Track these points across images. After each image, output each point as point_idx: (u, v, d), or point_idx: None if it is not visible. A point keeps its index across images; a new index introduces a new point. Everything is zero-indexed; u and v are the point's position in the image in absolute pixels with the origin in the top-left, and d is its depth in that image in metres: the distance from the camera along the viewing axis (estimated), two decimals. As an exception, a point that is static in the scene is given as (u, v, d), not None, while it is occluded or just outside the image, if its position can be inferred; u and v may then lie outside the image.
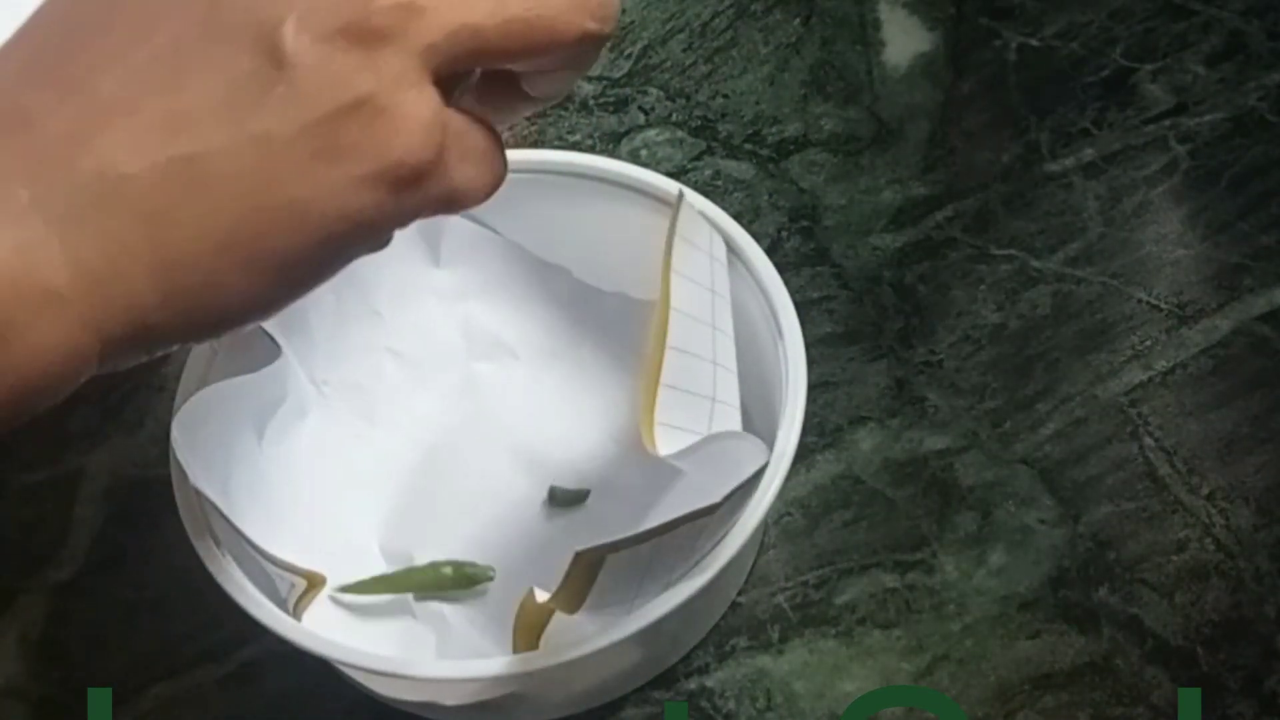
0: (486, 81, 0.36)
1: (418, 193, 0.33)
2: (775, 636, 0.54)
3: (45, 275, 0.30)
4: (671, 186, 0.55)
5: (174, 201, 0.31)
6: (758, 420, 0.53)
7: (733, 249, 0.55)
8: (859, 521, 0.57)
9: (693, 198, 0.55)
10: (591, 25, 0.34)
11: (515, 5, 0.33)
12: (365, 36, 0.31)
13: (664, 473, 0.51)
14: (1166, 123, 0.67)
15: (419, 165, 0.32)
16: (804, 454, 0.57)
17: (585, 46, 0.34)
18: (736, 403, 0.52)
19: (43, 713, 0.55)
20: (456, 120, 0.33)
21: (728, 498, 0.46)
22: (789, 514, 0.57)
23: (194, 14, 0.31)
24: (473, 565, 0.54)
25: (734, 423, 0.51)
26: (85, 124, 0.31)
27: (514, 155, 0.58)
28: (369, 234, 0.33)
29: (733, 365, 0.53)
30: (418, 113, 0.32)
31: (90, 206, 0.31)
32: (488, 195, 0.35)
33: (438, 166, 0.33)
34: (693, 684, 0.53)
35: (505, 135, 0.36)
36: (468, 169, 0.34)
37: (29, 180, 0.31)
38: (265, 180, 0.31)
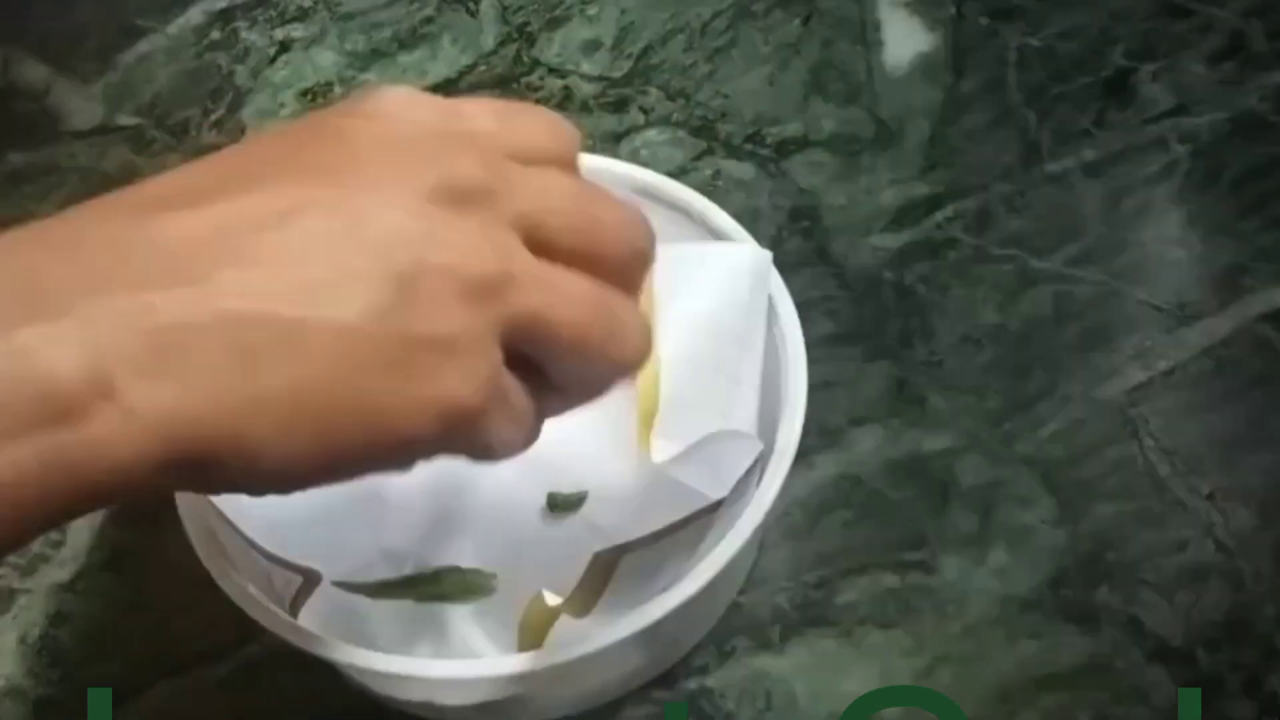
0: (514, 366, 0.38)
1: (460, 435, 0.35)
2: (775, 636, 0.54)
3: (121, 379, 0.31)
4: (673, 187, 0.55)
5: (269, 347, 0.32)
6: (758, 420, 0.53)
7: (732, 249, 0.55)
8: (859, 521, 0.57)
9: (692, 197, 0.55)
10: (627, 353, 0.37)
11: (585, 314, 0.36)
12: (478, 294, 0.34)
13: (662, 475, 0.51)
14: (1166, 123, 0.66)
15: (472, 410, 0.34)
16: (804, 454, 0.57)
17: (620, 366, 0.37)
18: (751, 420, 0.52)
19: (43, 713, 0.55)
20: (509, 381, 0.36)
21: (730, 492, 0.46)
22: (789, 514, 0.57)
23: (336, 223, 0.33)
24: (476, 573, 0.54)
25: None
26: (215, 249, 0.32)
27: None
28: (407, 455, 0.35)
29: (749, 379, 0.53)
30: (485, 365, 0.34)
31: (190, 329, 0.31)
32: (515, 454, 0.37)
33: (484, 417, 0.35)
34: (693, 684, 0.53)
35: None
36: (507, 428, 0.36)
37: (126, 288, 0.31)
38: (354, 366, 0.33)
